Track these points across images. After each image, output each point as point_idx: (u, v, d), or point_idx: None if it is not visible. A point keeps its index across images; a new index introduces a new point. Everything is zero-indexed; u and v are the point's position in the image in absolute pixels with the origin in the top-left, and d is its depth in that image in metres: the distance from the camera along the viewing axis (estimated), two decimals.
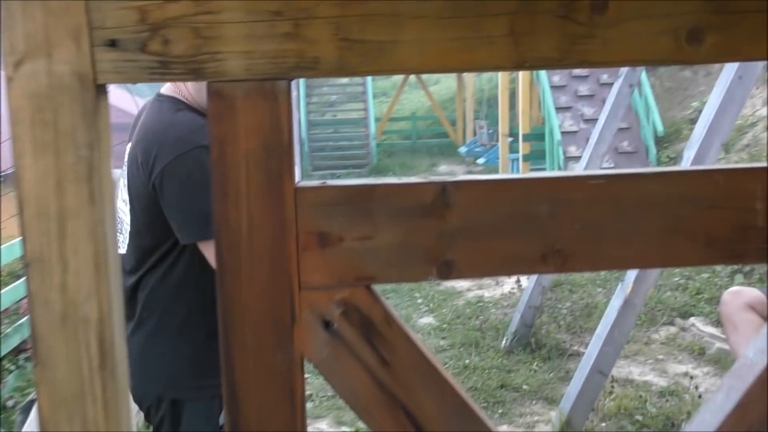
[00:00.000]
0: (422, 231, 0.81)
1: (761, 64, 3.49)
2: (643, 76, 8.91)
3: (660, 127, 9.33)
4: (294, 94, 13.19)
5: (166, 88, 1.78)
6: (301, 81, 15.09)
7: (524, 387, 4.20)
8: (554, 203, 0.82)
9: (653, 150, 9.27)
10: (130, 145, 1.78)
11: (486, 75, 16.24)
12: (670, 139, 9.37)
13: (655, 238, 0.82)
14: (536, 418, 3.91)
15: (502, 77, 12.73)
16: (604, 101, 9.79)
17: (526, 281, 5.21)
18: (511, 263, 0.83)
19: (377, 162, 14.31)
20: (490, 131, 13.65)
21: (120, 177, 1.79)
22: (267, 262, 0.80)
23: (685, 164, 3.44)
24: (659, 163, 9.12)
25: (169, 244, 1.69)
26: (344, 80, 18.61)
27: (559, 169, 9.60)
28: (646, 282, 3.49)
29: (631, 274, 3.51)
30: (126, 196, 1.76)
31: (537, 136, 10.94)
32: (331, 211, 0.81)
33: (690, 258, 0.84)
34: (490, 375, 4.36)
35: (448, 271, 0.83)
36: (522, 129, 10.90)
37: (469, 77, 16.23)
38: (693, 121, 9.31)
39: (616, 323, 3.52)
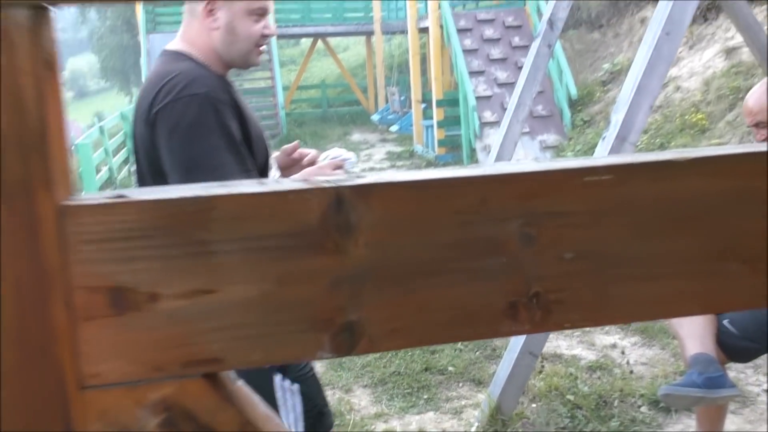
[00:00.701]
0: (303, 276, 0.47)
1: (688, 18, 3.27)
2: None
3: (573, 90, 9.23)
4: None
5: (174, 43, 1.84)
6: None
7: (450, 369, 3.94)
8: (529, 217, 0.48)
9: (567, 113, 9.18)
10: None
11: (396, 40, 15.91)
12: (583, 102, 9.29)
13: (695, 270, 0.50)
14: (464, 402, 3.66)
15: (412, 43, 12.41)
16: (516, 65, 9.65)
17: None
18: (458, 322, 0.49)
19: (287, 132, 13.79)
20: (402, 98, 13.35)
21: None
22: (13, 347, 0.43)
23: (614, 129, 3.19)
24: (574, 126, 9.03)
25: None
26: None
27: (475, 135, 9.41)
28: None
29: None
30: (132, 145, 1.81)
31: (451, 101, 10.71)
32: (131, 249, 0.45)
33: (751, 299, 0.51)
34: (413, 358, 4.08)
35: (351, 342, 0.48)
36: (435, 95, 10.64)
37: (378, 42, 15.83)
38: (605, 83, 9.27)
39: None
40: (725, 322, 2.68)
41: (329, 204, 0.45)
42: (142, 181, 1.78)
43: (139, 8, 14.90)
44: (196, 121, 1.64)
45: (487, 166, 0.50)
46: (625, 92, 3.27)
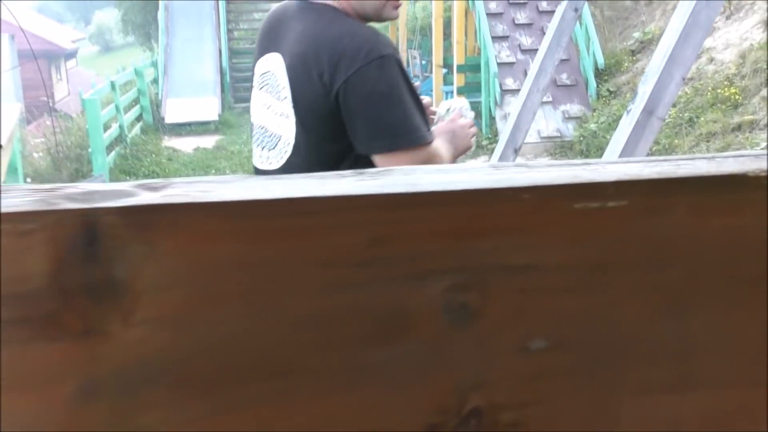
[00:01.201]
0: (23, 382, 0.24)
1: None
2: (585, 3, 8.38)
3: (600, 59, 8.87)
4: (214, 20, 12.21)
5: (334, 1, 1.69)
6: (222, 5, 14.05)
7: None
8: (466, 274, 0.26)
9: (593, 83, 8.82)
10: (280, 56, 1.65)
11: (420, 2, 15.50)
12: (610, 72, 8.92)
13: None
14: None
15: (436, 5, 12.05)
16: (543, 30, 9.27)
17: None
18: None
19: None
20: (424, 62, 13.03)
21: (263, 91, 1.68)
22: None
23: (640, 102, 2.91)
24: (599, 97, 8.69)
25: (339, 159, 1.63)
26: (267, 6, 17.51)
27: (496, 103, 9.10)
28: None
29: None
30: (286, 110, 1.64)
31: (472, 67, 10.36)
32: None
33: None
34: None
35: None
36: (456, 60, 10.31)
37: (402, 5, 15.41)
38: (634, 53, 8.90)
39: None
40: None
41: (72, 245, 0.24)
42: (297, 150, 1.68)
43: None
44: (391, 83, 1.58)
45: (393, 174, 0.27)
46: (656, 62, 2.98)
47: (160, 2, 14.22)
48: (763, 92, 6.03)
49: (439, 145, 1.73)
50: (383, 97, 1.60)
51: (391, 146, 1.60)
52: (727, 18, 7.52)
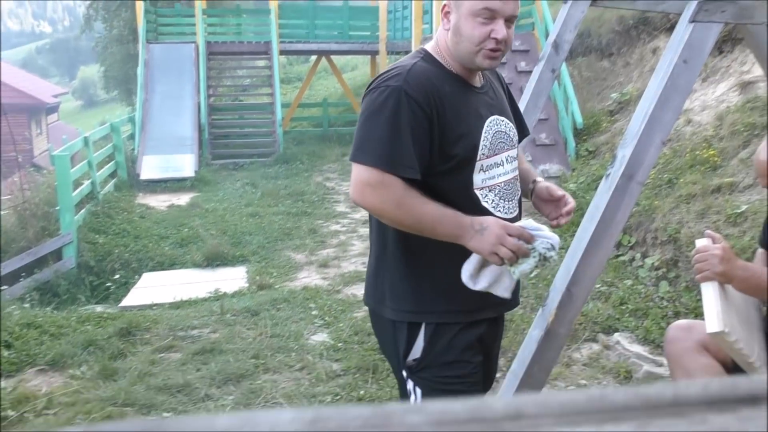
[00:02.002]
0: None
1: (709, 45, 2.89)
2: (563, 64, 8.40)
3: (579, 119, 8.85)
4: (194, 76, 12.10)
5: (430, 46, 1.97)
6: (201, 63, 14.01)
7: None
8: None
9: (572, 143, 8.79)
10: None
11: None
12: (589, 131, 8.90)
13: None
14: None
15: None
16: (521, 90, 9.28)
17: None
18: None
19: (283, 150, 13.41)
20: None
21: None
22: None
23: (619, 166, 2.80)
24: (578, 156, 8.64)
25: None
26: (251, 63, 17.59)
27: None
28: (574, 307, 2.84)
29: (554, 297, 2.86)
30: None
31: None
32: None
33: None
34: None
35: None
36: None
37: (383, 62, 15.51)
38: (612, 113, 8.89)
39: (535, 358, 2.86)
40: None
41: None
42: None
43: (140, 16, 14.62)
44: (379, 107, 1.77)
45: None
46: (635, 125, 2.88)
47: (140, 57, 14.18)
48: (741, 154, 5.98)
49: (431, 207, 1.77)
50: (366, 115, 1.80)
51: (354, 156, 1.79)
52: (704, 80, 7.55)
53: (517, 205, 2.04)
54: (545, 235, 1.83)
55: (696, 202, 5.65)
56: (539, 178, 2.16)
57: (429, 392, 2.00)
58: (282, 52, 15.83)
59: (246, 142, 14.25)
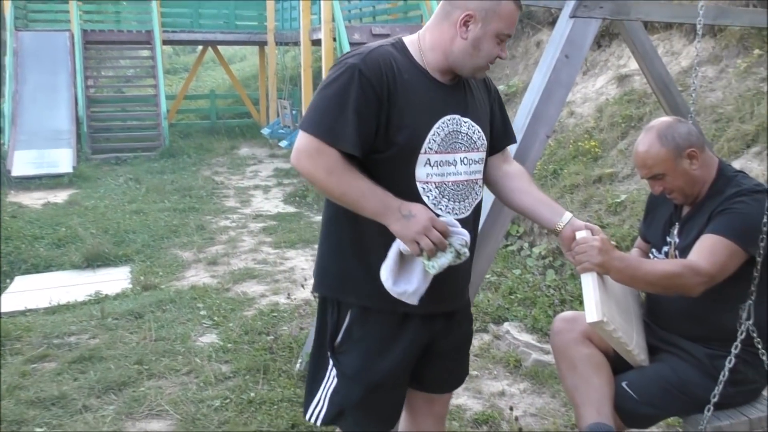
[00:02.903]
0: None
1: (589, 40, 2.95)
2: None
3: None
4: (69, 66, 11.43)
5: (412, 35, 2.03)
6: (78, 52, 13.28)
7: (322, 428, 3.43)
8: None
9: None
10: None
11: (291, 52, 15.37)
12: None
13: None
14: None
15: (305, 55, 11.92)
16: None
17: None
18: None
19: (169, 144, 12.93)
20: (294, 112, 12.82)
21: None
22: None
23: None
24: None
25: None
26: (133, 53, 16.85)
27: None
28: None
29: None
30: None
31: None
32: None
33: None
34: (279, 412, 3.55)
35: None
36: None
37: (271, 53, 15.23)
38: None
39: None
40: (624, 384, 2.34)
41: None
42: None
43: (8, 2, 13.67)
44: (330, 80, 1.83)
45: None
46: (520, 119, 2.91)
47: (7, 45, 13.27)
48: (620, 145, 6.24)
49: (361, 182, 1.81)
50: (320, 87, 1.86)
51: (301, 125, 1.85)
52: (584, 73, 7.83)
53: (468, 208, 2.02)
54: (460, 231, 1.86)
55: (579, 192, 5.85)
56: (563, 220, 2.05)
57: (343, 379, 2.03)
58: (165, 42, 15.22)
59: (129, 135, 13.63)
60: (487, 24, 1.88)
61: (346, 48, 9.93)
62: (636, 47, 3.59)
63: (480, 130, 2.03)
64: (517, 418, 3.43)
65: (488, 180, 2.16)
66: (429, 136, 1.90)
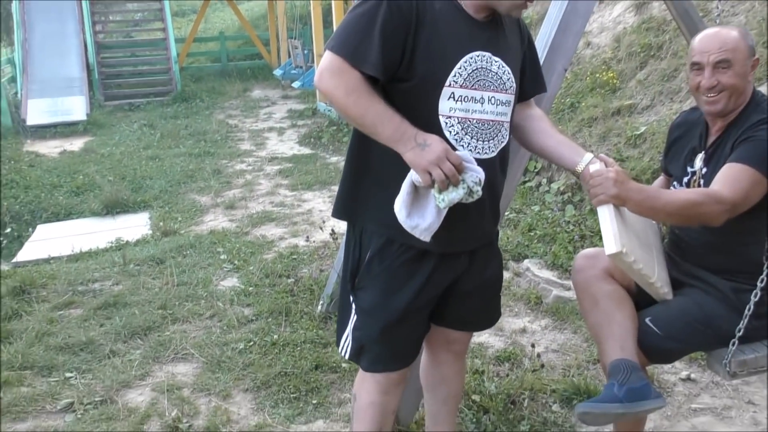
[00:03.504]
0: None
1: None
2: None
3: None
4: (77, 12, 11.34)
5: None
6: None
7: (344, 366, 3.49)
8: None
9: None
10: None
11: None
12: None
13: None
14: None
15: None
16: None
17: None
18: None
19: (181, 88, 12.85)
20: (306, 51, 12.64)
21: None
22: None
23: None
24: None
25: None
26: None
27: None
28: None
29: None
30: None
31: None
32: None
33: None
34: (302, 353, 3.60)
35: None
36: None
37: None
38: None
39: None
40: (647, 320, 2.32)
41: None
42: None
43: None
44: (359, 6, 1.81)
45: None
46: (536, 52, 2.82)
47: None
48: (639, 75, 6.10)
49: (380, 106, 1.77)
50: (349, 11, 1.85)
51: (328, 44, 1.82)
52: (601, 2, 7.61)
53: (494, 149, 1.97)
54: (475, 168, 1.82)
55: (597, 125, 5.76)
56: (584, 161, 2.01)
57: (362, 315, 2.04)
58: None
59: (140, 81, 13.55)
60: None
61: None
62: None
63: (510, 72, 1.97)
64: (539, 355, 3.45)
65: (511, 125, 2.10)
66: (455, 69, 1.85)
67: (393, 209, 1.87)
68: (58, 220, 6.71)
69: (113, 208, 6.75)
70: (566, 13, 2.78)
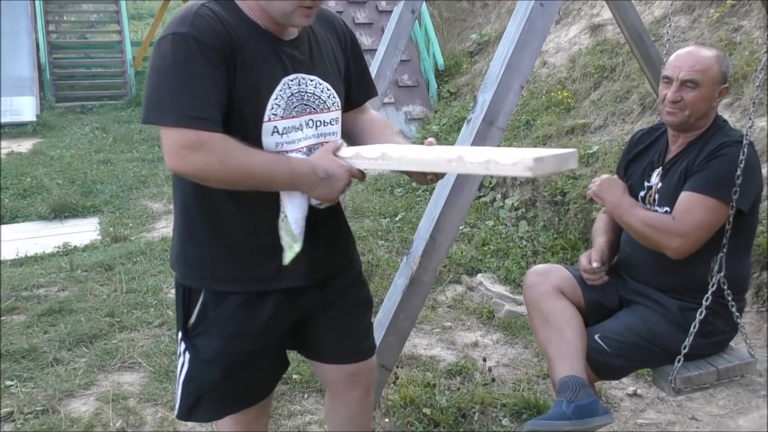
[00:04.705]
0: None
1: None
2: (423, 5, 8.35)
3: (441, 60, 8.90)
4: (29, 10, 11.02)
5: None
6: None
7: (294, 377, 3.45)
8: None
9: (434, 84, 8.84)
10: None
11: None
12: (450, 73, 8.98)
13: None
14: (308, 417, 3.20)
15: None
16: (382, 30, 9.19)
17: None
18: None
19: (136, 92, 12.64)
20: None
21: None
22: None
23: (480, 111, 2.78)
24: (440, 98, 8.71)
25: None
26: None
27: None
28: (438, 255, 2.83)
29: (418, 245, 2.84)
30: None
31: None
32: None
33: None
34: None
35: None
36: None
37: (313, 12, 14.80)
38: (472, 54, 9.00)
39: (401, 307, 2.85)
40: (596, 337, 2.37)
41: None
42: None
43: None
44: (168, 61, 1.57)
45: None
46: (494, 70, 2.86)
47: None
48: (593, 96, 6.23)
49: (259, 157, 1.62)
50: (155, 69, 1.59)
51: (145, 118, 1.60)
52: (557, 23, 7.76)
53: None
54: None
55: (552, 143, 5.85)
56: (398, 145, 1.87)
57: (195, 362, 1.86)
58: None
59: (94, 83, 13.28)
60: None
61: None
62: None
63: (330, 87, 1.82)
64: (490, 369, 3.48)
65: (343, 134, 1.92)
66: (271, 101, 1.68)
67: (231, 263, 1.78)
68: (3, 223, 6.52)
69: (61, 212, 6.59)
70: (523, 32, 2.82)
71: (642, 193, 2.43)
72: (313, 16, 1.70)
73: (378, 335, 2.86)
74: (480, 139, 2.75)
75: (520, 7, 2.90)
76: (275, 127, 1.70)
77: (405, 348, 3.61)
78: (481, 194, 6.10)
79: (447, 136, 7.34)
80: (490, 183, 6.16)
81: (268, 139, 1.70)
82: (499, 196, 5.93)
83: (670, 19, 2.70)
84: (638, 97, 5.68)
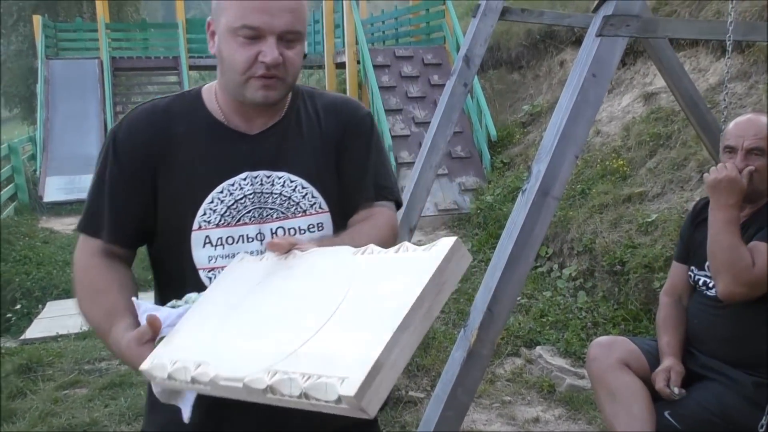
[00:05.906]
0: None
1: (616, 59, 2.91)
2: (475, 78, 8.50)
3: (493, 131, 8.96)
4: (99, 93, 11.51)
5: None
6: (107, 79, 13.51)
7: None
8: None
9: (487, 155, 8.88)
10: None
11: (315, 75, 15.48)
12: (503, 143, 9.02)
13: None
14: None
15: (329, 77, 12.01)
16: (435, 103, 9.35)
17: None
18: None
19: None
20: None
21: None
22: None
23: (535, 181, 2.77)
24: (494, 168, 8.73)
25: None
26: (161, 79, 17.07)
27: None
28: (496, 327, 2.79)
29: (476, 318, 2.80)
30: None
31: None
32: None
33: None
34: None
35: None
36: None
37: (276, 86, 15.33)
38: (524, 125, 9.04)
39: (459, 381, 2.79)
40: (666, 414, 2.27)
41: None
42: None
43: (38, 31, 13.97)
44: (99, 155, 1.52)
45: None
46: (548, 140, 2.87)
47: (39, 74, 13.55)
48: (649, 164, 6.15)
49: (102, 308, 1.37)
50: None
51: (78, 225, 1.57)
52: (609, 92, 7.76)
53: None
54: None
55: (608, 211, 5.77)
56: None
57: None
58: (192, 68, 15.43)
59: None
60: (218, 22, 1.40)
61: (371, 71, 9.97)
62: (663, 65, 3.54)
63: (308, 183, 1.50)
64: None
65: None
66: (204, 206, 1.44)
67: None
68: (69, 297, 6.70)
69: None
70: (577, 102, 2.83)
71: (707, 264, 2.36)
72: (277, 90, 1.42)
73: (435, 410, 2.80)
74: (536, 210, 2.74)
75: (573, 78, 2.92)
76: (207, 237, 1.44)
77: (464, 424, 3.52)
78: (538, 264, 6.02)
79: (501, 206, 7.32)
80: (547, 253, 6.08)
81: (198, 252, 1.45)
82: (556, 266, 5.84)
83: (726, 86, 2.68)
84: (696, 164, 5.58)
